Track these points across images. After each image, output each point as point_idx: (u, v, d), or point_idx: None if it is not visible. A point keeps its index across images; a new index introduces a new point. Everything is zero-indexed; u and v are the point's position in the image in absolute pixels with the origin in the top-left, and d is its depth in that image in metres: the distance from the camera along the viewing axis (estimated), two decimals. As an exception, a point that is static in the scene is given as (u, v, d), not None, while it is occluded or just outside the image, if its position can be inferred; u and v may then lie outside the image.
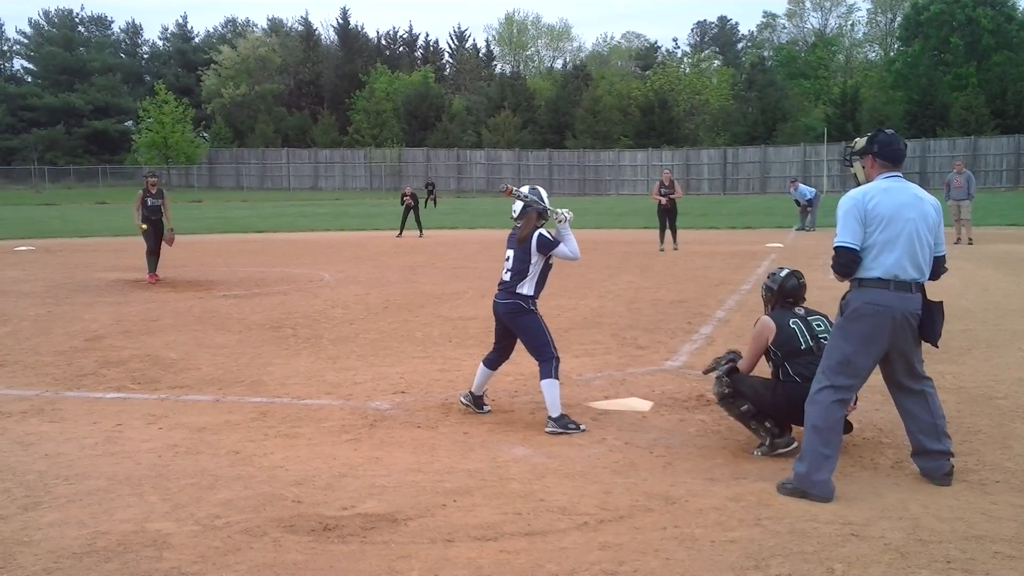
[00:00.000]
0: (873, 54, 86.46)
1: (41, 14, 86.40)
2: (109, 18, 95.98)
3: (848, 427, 5.69)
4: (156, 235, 14.94)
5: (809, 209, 26.56)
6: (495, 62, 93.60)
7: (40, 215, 40.38)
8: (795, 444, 5.48)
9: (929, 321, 4.88)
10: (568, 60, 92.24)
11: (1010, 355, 8.48)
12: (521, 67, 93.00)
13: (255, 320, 11.12)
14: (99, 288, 14.51)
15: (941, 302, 4.96)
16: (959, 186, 20.98)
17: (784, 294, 5.78)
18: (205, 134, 78.30)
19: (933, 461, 5.01)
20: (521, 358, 8.34)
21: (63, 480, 5.21)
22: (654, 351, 8.94)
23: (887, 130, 5.08)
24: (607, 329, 10.19)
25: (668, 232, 20.49)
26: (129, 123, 79.30)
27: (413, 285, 14.56)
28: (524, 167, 67.93)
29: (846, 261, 4.80)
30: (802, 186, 27.27)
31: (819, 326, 5.61)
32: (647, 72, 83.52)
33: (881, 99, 67.31)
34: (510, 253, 6.44)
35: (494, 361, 6.65)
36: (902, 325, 4.82)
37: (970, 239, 20.59)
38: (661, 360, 8.52)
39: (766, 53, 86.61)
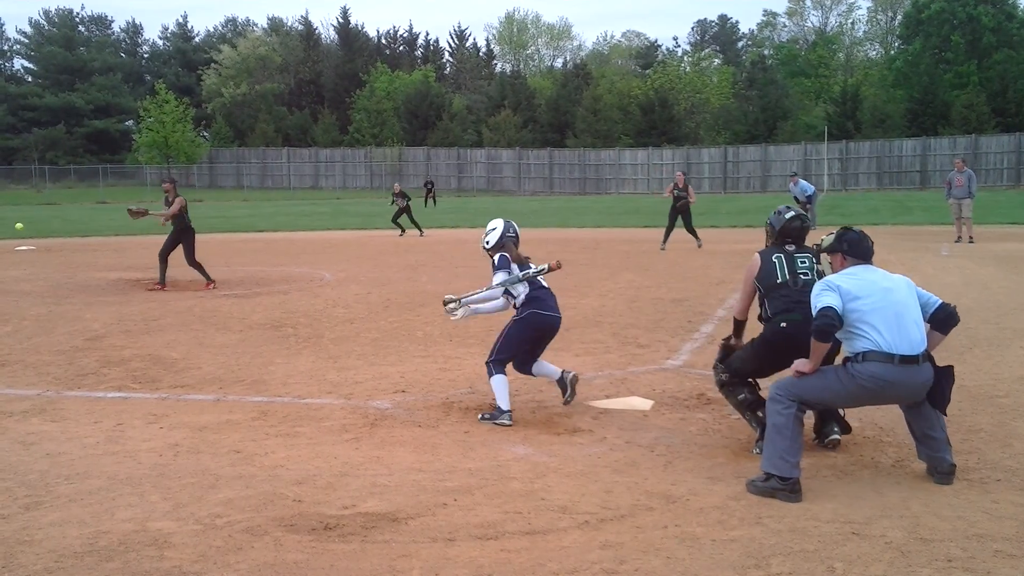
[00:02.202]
0: (874, 52, 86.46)
1: (41, 14, 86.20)
2: (109, 18, 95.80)
3: (847, 428, 5.70)
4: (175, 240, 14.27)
5: (808, 206, 26.53)
6: (495, 61, 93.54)
7: (41, 215, 40.40)
8: None
9: (939, 389, 4.93)
10: (568, 59, 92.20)
11: (1011, 353, 8.48)
12: (521, 66, 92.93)
13: (256, 319, 11.12)
14: (100, 288, 14.51)
15: (951, 367, 5.01)
16: (960, 184, 20.95)
17: (784, 233, 5.74)
18: (206, 133, 78.23)
19: (935, 451, 5.00)
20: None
21: (64, 479, 5.21)
22: (655, 350, 8.94)
23: (854, 228, 5.22)
24: (608, 328, 10.19)
25: (671, 232, 20.55)
26: (130, 123, 79.23)
27: (414, 284, 14.56)
28: (524, 166, 67.91)
29: (830, 319, 4.78)
30: (803, 181, 27.23)
31: (803, 263, 5.59)
32: (647, 71, 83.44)
33: (882, 97, 67.24)
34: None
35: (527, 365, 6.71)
36: (906, 396, 4.91)
37: (971, 237, 20.57)
38: (662, 359, 8.52)
39: (766, 51, 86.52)
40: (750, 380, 5.76)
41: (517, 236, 6.70)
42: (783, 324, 5.43)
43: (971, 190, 20.92)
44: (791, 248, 5.68)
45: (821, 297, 4.88)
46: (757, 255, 5.74)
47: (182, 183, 69.39)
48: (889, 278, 5.01)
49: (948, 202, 21.50)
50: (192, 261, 14.18)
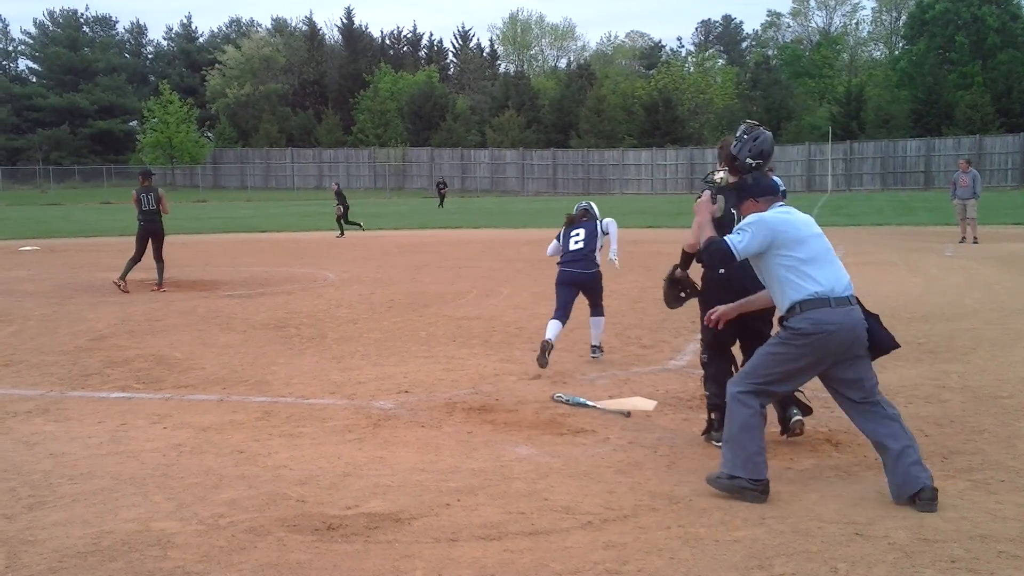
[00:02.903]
0: (878, 53, 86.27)
1: (46, 14, 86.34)
2: (114, 18, 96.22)
3: (807, 409, 5.70)
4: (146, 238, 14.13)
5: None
6: (499, 61, 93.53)
7: (45, 215, 40.48)
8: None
9: (877, 331, 4.79)
10: (572, 59, 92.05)
11: (1015, 354, 8.46)
12: (525, 66, 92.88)
13: (259, 320, 11.13)
14: (104, 288, 14.53)
15: (877, 316, 4.86)
16: (965, 185, 20.94)
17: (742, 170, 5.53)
18: (209, 134, 78.34)
19: (905, 469, 4.58)
20: (527, 357, 8.36)
21: (68, 479, 5.22)
22: (658, 350, 8.94)
23: (748, 169, 5.21)
24: (611, 328, 10.16)
25: None
26: (134, 123, 79.38)
27: (417, 284, 14.56)
28: (528, 166, 67.93)
29: (720, 259, 4.86)
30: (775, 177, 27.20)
31: None
32: (651, 71, 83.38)
33: (886, 98, 67.14)
34: (582, 231, 8.31)
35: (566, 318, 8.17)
36: (849, 341, 4.69)
37: (975, 238, 20.55)
38: (665, 359, 8.52)
39: (770, 52, 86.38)
40: (720, 378, 5.71)
41: (588, 208, 8.61)
42: (722, 271, 5.46)
43: (975, 190, 20.90)
44: None
45: (752, 233, 4.75)
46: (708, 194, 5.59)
47: (186, 184, 69.76)
48: (813, 221, 4.94)
49: (952, 202, 21.49)
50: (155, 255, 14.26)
